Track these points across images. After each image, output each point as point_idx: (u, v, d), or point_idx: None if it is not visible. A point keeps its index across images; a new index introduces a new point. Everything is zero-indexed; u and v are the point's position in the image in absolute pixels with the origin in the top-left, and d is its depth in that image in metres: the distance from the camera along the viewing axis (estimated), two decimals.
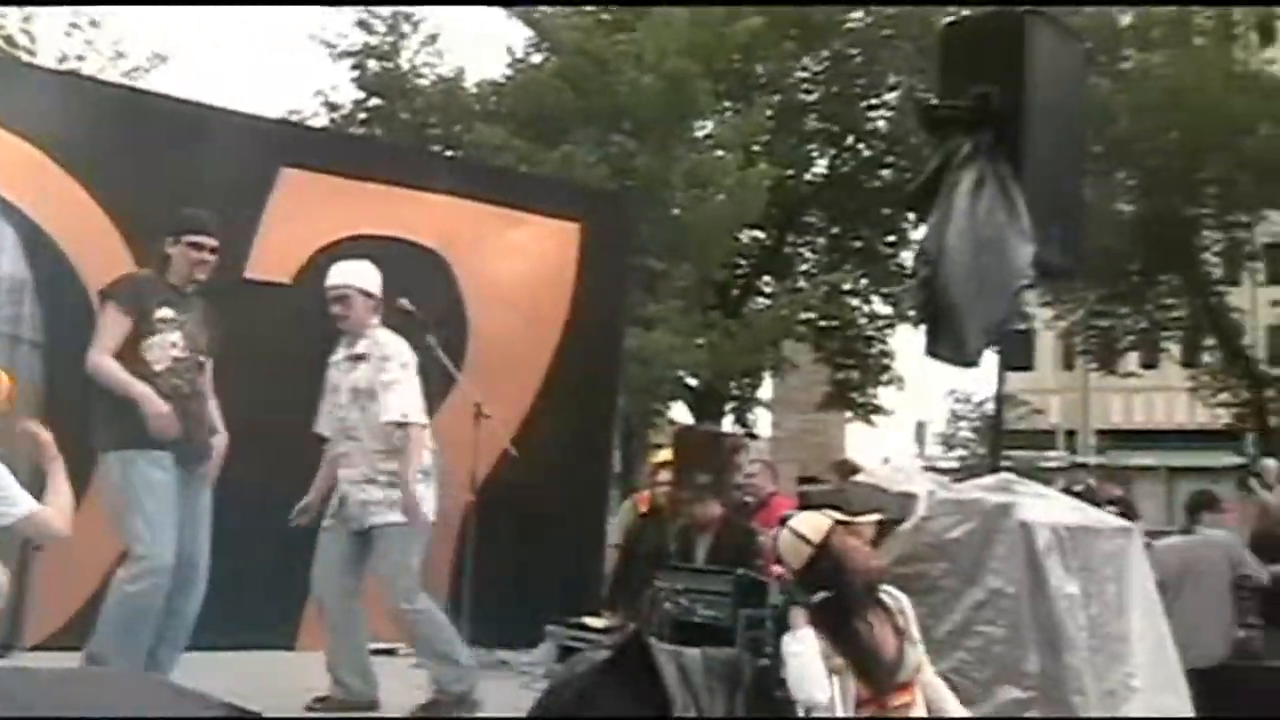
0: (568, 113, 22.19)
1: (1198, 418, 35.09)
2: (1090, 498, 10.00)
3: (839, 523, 5.08)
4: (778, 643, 5.09)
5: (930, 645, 5.28)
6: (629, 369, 16.02)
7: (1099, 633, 5.89)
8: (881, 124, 28.37)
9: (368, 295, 7.23)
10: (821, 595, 4.98)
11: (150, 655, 6.39)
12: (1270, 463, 13.21)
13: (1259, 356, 30.18)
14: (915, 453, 42.85)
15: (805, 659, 4.82)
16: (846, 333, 29.31)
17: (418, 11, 25.75)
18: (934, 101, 7.10)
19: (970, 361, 6.72)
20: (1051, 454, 37.25)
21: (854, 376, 30.01)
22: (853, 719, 4.75)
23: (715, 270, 23.62)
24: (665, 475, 9.65)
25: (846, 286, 28.79)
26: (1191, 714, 6.18)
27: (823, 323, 28.27)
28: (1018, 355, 36.15)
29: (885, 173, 28.25)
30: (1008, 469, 7.16)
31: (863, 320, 29.70)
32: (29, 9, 21.98)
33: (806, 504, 6.64)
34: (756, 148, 24.29)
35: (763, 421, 32.08)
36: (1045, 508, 6.12)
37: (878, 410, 30.25)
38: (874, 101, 28.46)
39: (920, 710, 4.96)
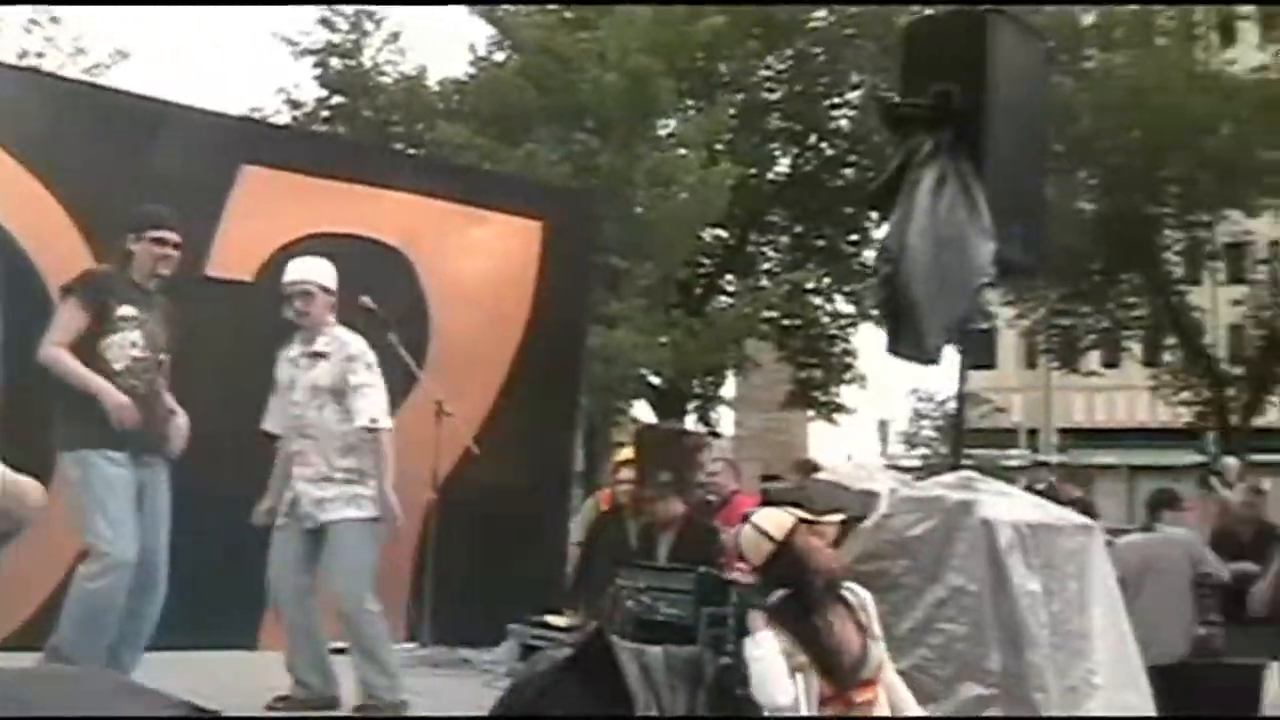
0: (530, 111, 22.22)
1: (1159, 416, 35.24)
2: (1053, 495, 10.05)
3: (802, 521, 5.08)
4: (739, 641, 5.09)
5: (892, 643, 5.29)
6: (592, 367, 16.05)
7: (1060, 630, 5.91)
8: (844, 123, 28.51)
9: (328, 291, 7.15)
10: (781, 593, 4.98)
11: (112, 656, 6.34)
12: (1231, 461, 13.32)
13: (1220, 355, 30.34)
14: (878, 451, 43.05)
15: (766, 662, 4.82)
16: (809, 331, 29.41)
17: (380, 9, 25.80)
18: (896, 100, 7.10)
19: (931, 359, 6.72)
20: (1014, 452, 37.51)
21: (816, 375, 30.11)
22: (817, 717, 4.76)
23: (678, 268, 23.68)
24: (627, 473, 9.62)
25: (809, 285, 28.88)
26: (1152, 711, 6.20)
27: (785, 321, 28.37)
28: (980, 354, 36.43)
29: (848, 171, 28.38)
30: (970, 467, 7.19)
31: (825, 319, 29.80)
32: None
33: (769, 502, 6.66)
34: (719, 146, 24.33)
35: (725, 420, 32.19)
36: (1007, 505, 6.13)
37: (840, 409, 30.38)
38: (836, 100, 28.60)
39: (883, 707, 4.97)
